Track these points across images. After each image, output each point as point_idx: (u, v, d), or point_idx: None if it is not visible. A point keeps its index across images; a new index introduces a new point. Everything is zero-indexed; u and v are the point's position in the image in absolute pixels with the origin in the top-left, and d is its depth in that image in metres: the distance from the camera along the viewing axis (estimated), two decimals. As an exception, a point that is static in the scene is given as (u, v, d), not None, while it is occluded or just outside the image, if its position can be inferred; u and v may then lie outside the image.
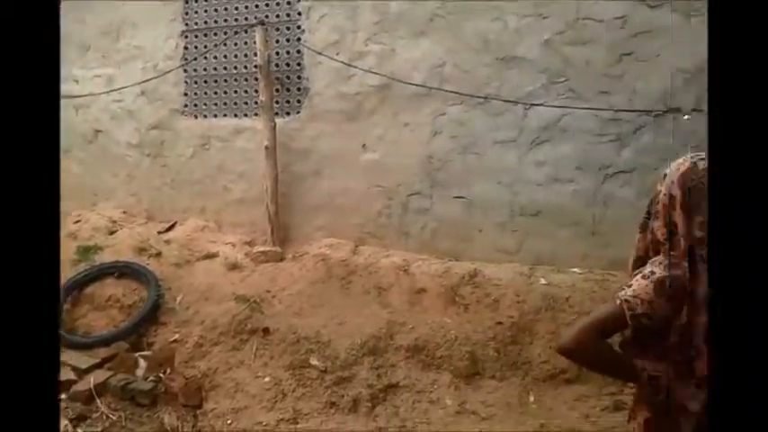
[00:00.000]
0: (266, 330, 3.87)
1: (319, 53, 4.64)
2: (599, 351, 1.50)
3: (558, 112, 4.04)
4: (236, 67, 5.08)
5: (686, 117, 3.70)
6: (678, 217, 1.47)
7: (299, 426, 3.25)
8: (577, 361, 1.61)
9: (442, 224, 4.47)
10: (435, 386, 3.41)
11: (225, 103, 5.15)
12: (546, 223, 4.19)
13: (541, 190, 4.18)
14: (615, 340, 1.54)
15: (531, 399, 3.29)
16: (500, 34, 4.13)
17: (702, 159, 1.47)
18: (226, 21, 5.06)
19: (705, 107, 3.62)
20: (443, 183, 4.43)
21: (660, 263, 1.48)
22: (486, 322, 3.70)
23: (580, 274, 3.99)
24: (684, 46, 3.67)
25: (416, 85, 4.38)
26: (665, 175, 1.53)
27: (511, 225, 4.30)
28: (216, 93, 5.15)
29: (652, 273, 1.47)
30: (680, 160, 1.53)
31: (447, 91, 4.30)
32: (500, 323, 3.67)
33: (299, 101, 4.84)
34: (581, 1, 3.90)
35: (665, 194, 1.50)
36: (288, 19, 4.82)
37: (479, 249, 4.36)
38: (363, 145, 4.62)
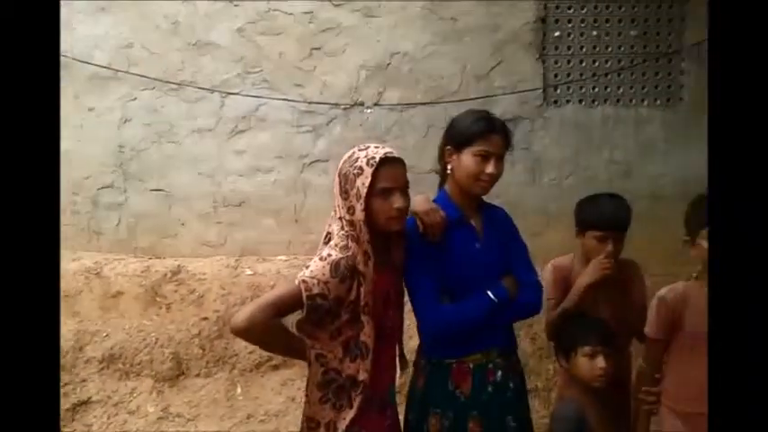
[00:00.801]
0: None
1: (-30, 22, 3.85)
2: (271, 330, 1.52)
3: (255, 102, 4.05)
4: None
5: (369, 110, 4.05)
6: (339, 201, 1.58)
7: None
8: (250, 339, 1.59)
9: (139, 219, 4.13)
10: (135, 395, 3.15)
11: None
12: (250, 213, 4.18)
13: (243, 180, 4.16)
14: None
15: (239, 391, 3.27)
16: (190, 18, 3.96)
17: (361, 150, 1.60)
18: None
19: (385, 101, 4.06)
20: (138, 174, 4.10)
21: (336, 245, 1.57)
22: (190, 319, 3.55)
23: (285, 261, 4.09)
24: (365, 44, 4.01)
25: (100, 66, 3.95)
26: None
27: (215, 217, 4.19)
28: None
29: (329, 255, 1.55)
30: (350, 151, 1.64)
31: (136, 75, 3.97)
32: (205, 319, 3.56)
33: (-56, 78, 3.95)
34: (271, -8, 3.97)
35: (336, 182, 1.61)
36: None
37: (183, 244, 4.16)
38: (37, 133, 4.00)
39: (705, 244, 1.59)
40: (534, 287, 1.85)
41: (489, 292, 1.75)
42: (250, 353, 3.40)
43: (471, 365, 1.77)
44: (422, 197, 1.79)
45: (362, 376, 1.56)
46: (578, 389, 1.81)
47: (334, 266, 1.52)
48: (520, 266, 1.86)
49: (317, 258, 1.57)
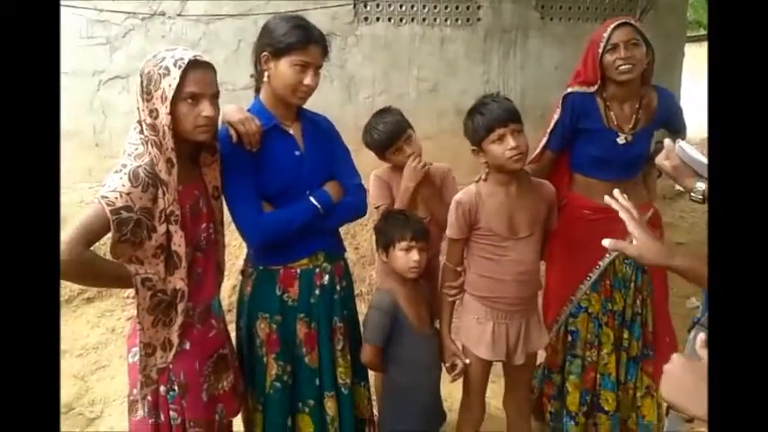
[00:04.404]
0: None
1: None
2: (89, 262, 1.41)
3: (34, 8, 3.53)
4: None
5: (172, 21, 3.76)
6: (140, 104, 1.50)
7: None
8: (69, 277, 1.44)
9: None
10: None
11: None
12: (39, 137, 3.73)
13: (27, 99, 3.66)
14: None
15: (49, 329, 3.03)
16: None
17: (168, 50, 1.50)
18: None
19: (189, 12, 3.78)
20: None
21: (130, 154, 1.47)
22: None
23: (90, 188, 3.76)
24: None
25: None
26: None
27: (-5, 143, 3.67)
28: None
29: (124, 165, 1.45)
30: (156, 51, 1.53)
31: None
32: None
33: None
34: None
35: (138, 83, 1.51)
36: None
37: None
38: None
39: (492, 148, 1.81)
40: (357, 189, 1.91)
41: (311, 198, 1.79)
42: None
43: (298, 270, 1.82)
44: (234, 106, 1.74)
45: (179, 285, 1.54)
46: (394, 280, 1.98)
47: (134, 175, 1.42)
48: (342, 171, 1.91)
49: (112, 173, 1.45)
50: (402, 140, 2.14)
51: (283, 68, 1.70)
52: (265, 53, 1.72)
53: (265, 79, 1.75)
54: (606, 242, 1.25)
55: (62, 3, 3.54)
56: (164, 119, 1.45)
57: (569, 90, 2.18)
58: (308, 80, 1.70)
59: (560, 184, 2.18)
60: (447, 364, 1.99)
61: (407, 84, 4.34)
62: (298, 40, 1.68)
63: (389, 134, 2.13)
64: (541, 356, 2.27)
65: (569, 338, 2.29)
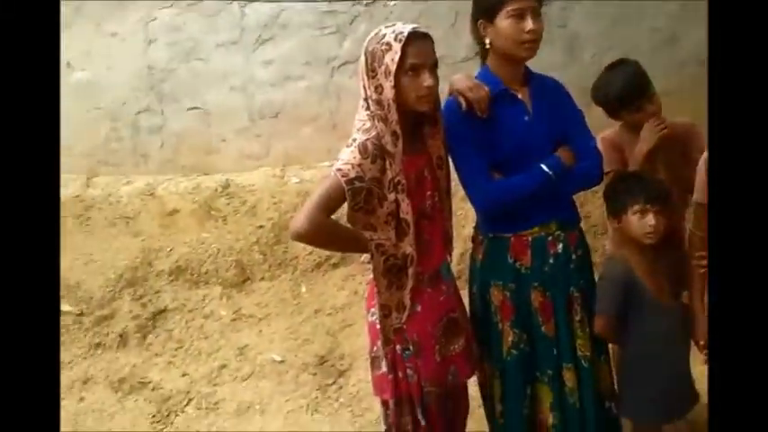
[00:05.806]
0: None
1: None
2: (330, 228, 1.57)
3: (276, 8, 3.96)
4: None
5: (392, 3, 3.93)
6: (365, 81, 1.60)
7: (64, 374, 2.96)
8: (313, 242, 1.64)
9: (181, 139, 4.20)
10: (206, 301, 3.36)
11: None
12: (287, 123, 4.21)
13: (275, 90, 4.14)
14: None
15: (303, 289, 3.45)
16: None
17: (388, 27, 1.58)
18: None
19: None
20: (172, 95, 4.11)
21: (359, 129, 1.59)
22: (246, 229, 3.70)
23: (330, 166, 4.14)
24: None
25: (116, -12, 3.88)
26: None
27: (254, 129, 4.23)
28: None
29: (354, 140, 1.58)
30: (376, 29, 1.63)
31: (152, -7, 3.90)
32: (261, 227, 3.71)
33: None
34: None
35: (362, 61, 1.62)
36: None
37: (227, 159, 4.24)
38: (68, 63, 4.01)
39: None
40: (592, 153, 1.81)
41: (542, 164, 1.73)
42: (309, 254, 3.55)
43: (530, 239, 1.78)
44: (462, 75, 1.75)
45: (408, 250, 1.63)
46: (629, 248, 1.84)
47: (363, 148, 1.53)
48: (576, 134, 1.81)
49: (344, 147, 1.59)
50: (645, 97, 1.97)
51: (501, 25, 1.68)
52: (480, 20, 1.72)
53: (488, 46, 1.75)
54: None
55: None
56: (388, 93, 1.53)
57: None
58: (529, 25, 1.65)
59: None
60: (700, 342, 1.82)
61: (639, 36, 3.97)
62: None
63: (631, 90, 1.96)
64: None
65: None
